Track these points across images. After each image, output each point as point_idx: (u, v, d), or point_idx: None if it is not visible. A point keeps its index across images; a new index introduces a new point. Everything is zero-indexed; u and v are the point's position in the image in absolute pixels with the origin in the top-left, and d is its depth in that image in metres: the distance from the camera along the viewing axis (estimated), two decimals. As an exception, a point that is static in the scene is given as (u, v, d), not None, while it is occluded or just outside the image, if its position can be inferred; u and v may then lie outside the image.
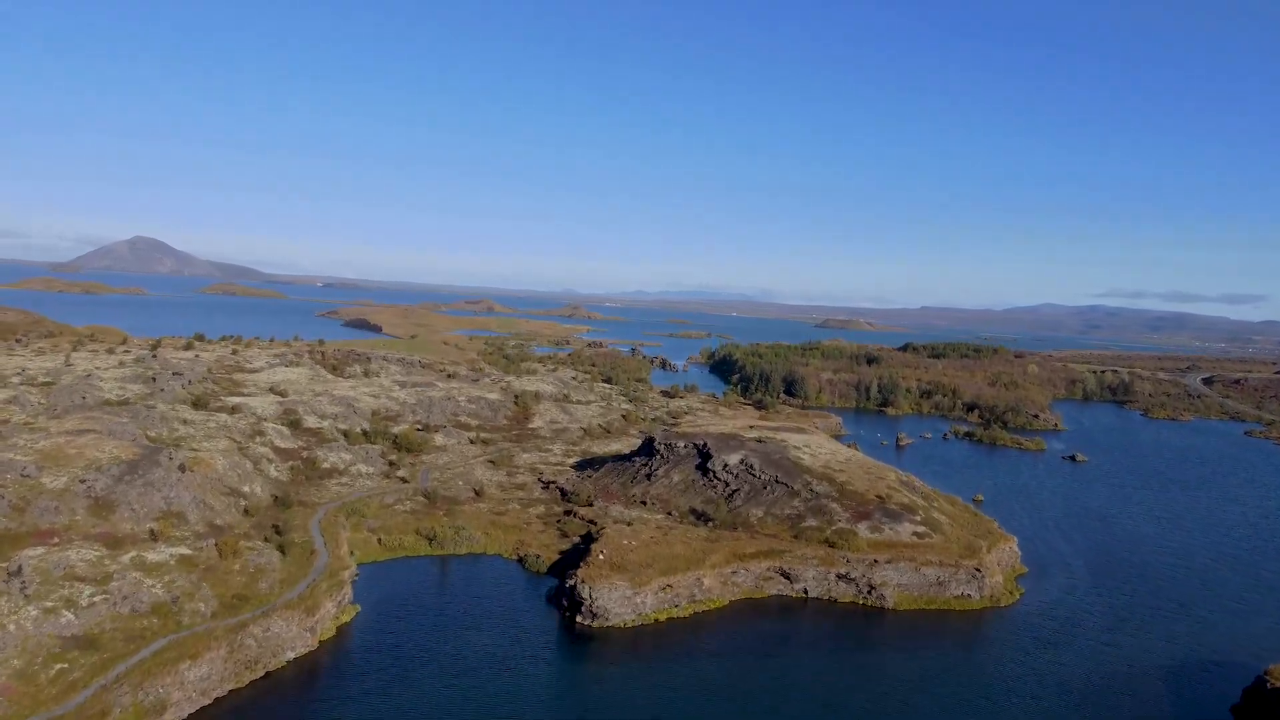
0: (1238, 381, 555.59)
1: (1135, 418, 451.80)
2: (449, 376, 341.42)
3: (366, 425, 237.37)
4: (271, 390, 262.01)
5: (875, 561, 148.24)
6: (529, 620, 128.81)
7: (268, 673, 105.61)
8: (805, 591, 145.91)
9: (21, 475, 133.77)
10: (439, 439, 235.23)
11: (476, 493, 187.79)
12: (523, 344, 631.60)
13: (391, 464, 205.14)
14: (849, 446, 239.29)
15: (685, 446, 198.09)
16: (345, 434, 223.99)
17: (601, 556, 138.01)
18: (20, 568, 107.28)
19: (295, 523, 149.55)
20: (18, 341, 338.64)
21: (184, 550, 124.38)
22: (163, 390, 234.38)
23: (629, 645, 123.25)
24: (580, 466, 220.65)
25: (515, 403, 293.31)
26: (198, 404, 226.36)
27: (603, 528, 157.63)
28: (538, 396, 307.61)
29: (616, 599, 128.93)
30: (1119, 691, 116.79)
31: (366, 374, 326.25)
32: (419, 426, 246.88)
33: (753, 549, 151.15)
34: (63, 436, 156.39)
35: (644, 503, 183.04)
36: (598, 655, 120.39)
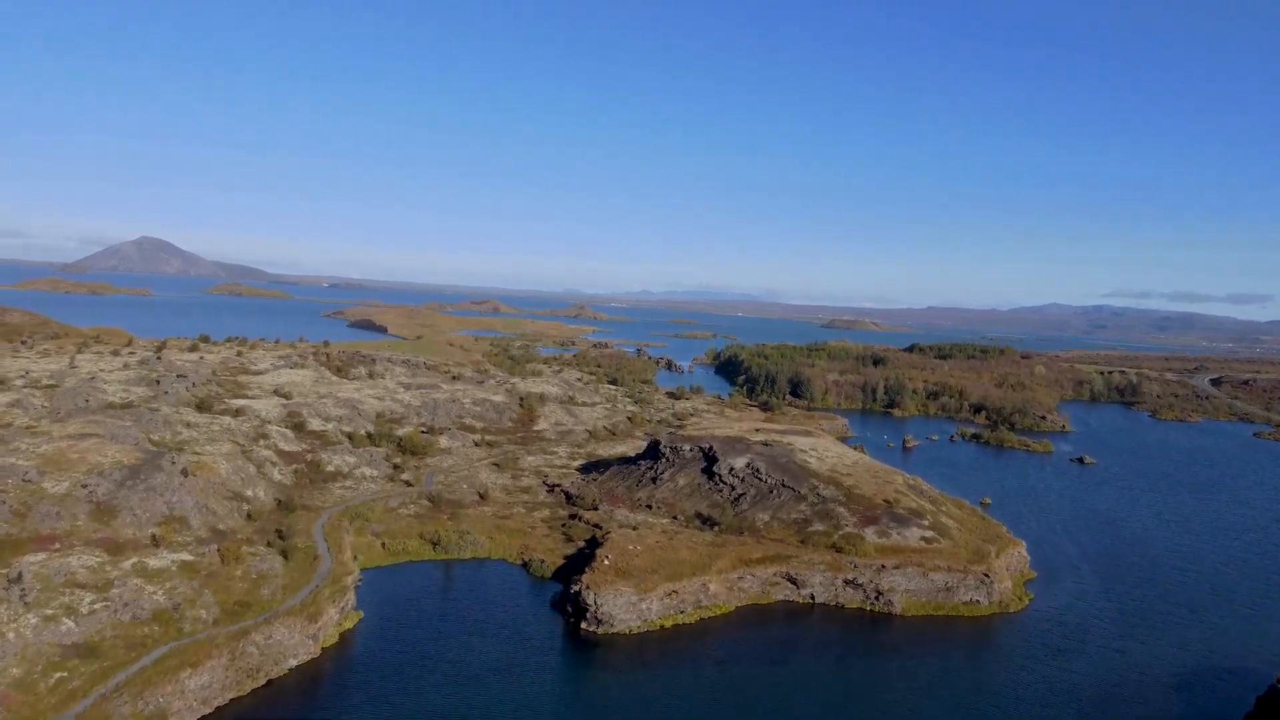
0: (1246, 382, 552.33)
1: (1143, 419, 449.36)
2: (454, 378, 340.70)
3: (371, 428, 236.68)
4: (276, 392, 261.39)
5: (883, 567, 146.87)
6: (533, 627, 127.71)
7: (269, 681, 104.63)
8: (812, 597, 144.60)
9: (23, 480, 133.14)
10: (443, 441, 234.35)
11: (481, 496, 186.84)
12: (528, 345, 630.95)
13: (396, 467, 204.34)
14: (855, 449, 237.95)
15: (691, 450, 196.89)
16: (349, 437, 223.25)
17: (606, 562, 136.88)
18: (21, 574, 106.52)
19: (298, 527, 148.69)
20: (23, 343, 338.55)
21: (186, 556, 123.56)
22: (166, 393, 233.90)
23: (634, 652, 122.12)
24: (585, 469, 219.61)
25: (520, 405, 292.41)
26: (201, 406, 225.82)
27: (608, 532, 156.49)
28: (543, 398, 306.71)
29: (622, 605, 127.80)
30: (1130, 699, 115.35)
31: (371, 376, 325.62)
32: (423, 429, 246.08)
33: (759, 554, 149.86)
34: (65, 441, 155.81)
35: (649, 507, 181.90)
36: (603, 663, 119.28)
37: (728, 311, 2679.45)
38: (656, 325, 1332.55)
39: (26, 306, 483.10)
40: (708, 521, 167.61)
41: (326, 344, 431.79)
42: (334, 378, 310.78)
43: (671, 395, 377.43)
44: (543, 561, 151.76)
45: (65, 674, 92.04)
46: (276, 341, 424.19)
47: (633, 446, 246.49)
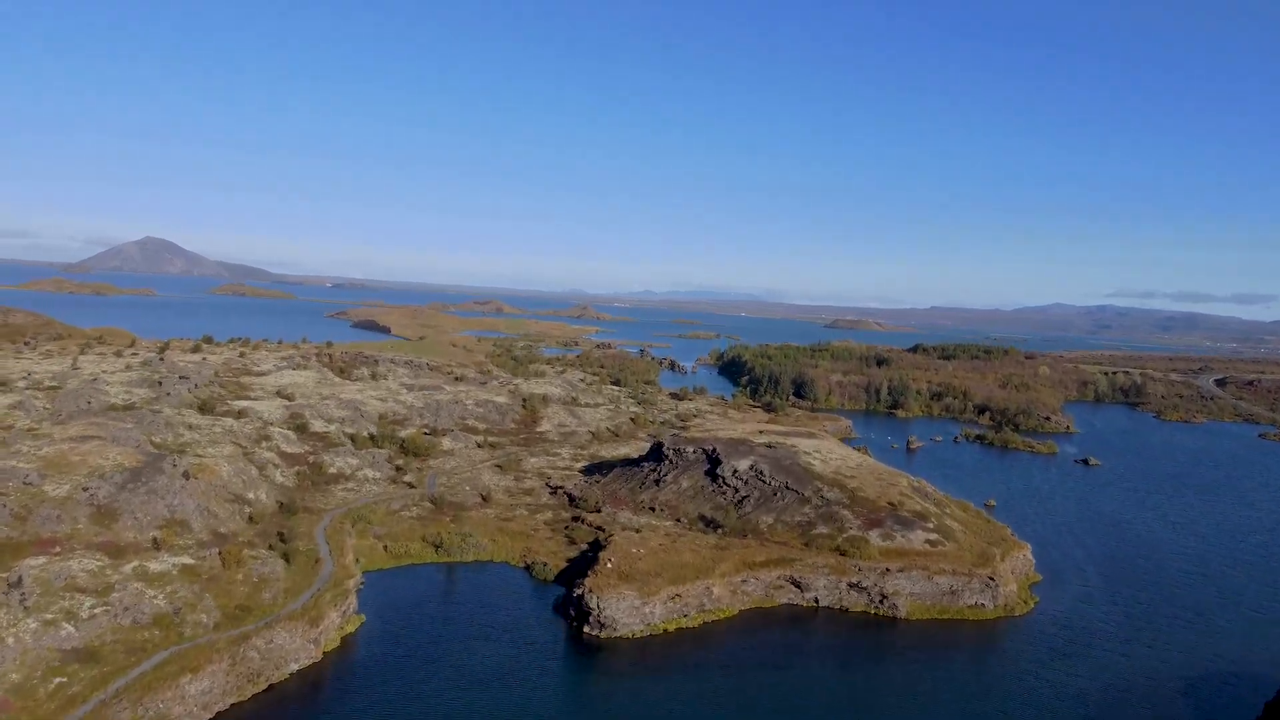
0: (1251, 383, 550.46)
1: (1148, 420, 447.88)
2: (457, 379, 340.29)
3: (374, 429, 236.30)
4: (278, 394, 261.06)
5: (887, 570, 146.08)
6: (536, 630, 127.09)
7: (270, 686, 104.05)
8: (816, 601, 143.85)
9: (24, 483, 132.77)
10: (446, 443, 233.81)
11: (484, 498, 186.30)
12: (531, 345, 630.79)
13: (398, 469, 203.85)
14: (859, 450, 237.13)
15: (694, 452, 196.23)
16: (352, 438, 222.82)
17: (609, 565, 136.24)
18: (20, 578, 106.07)
19: (300, 530, 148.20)
20: (26, 344, 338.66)
21: (187, 559, 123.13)
22: (169, 394, 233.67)
23: (637, 656, 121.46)
24: (588, 471, 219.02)
25: (523, 406, 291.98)
26: (204, 408, 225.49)
27: (611, 535, 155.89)
28: (546, 399, 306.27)
29: (624, 609, 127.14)
30: (1137, 704, 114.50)
31: (374, 377, 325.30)
32: (426, 430, 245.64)
33: (763, 557, 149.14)
34: (66, 443, 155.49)
35: (652, 509, 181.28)
36: (605, 667, 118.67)
37: (731, 311, 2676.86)
38: (660, 325, 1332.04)
39: (30, 306, 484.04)
40: (711, 524, 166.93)
41: (329, 345, 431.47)
42: (337, 379, 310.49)
43: (675, 396, 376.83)
44: (545, 564, 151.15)
45: (65, 679, 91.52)
46: (279, 342, 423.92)
47: (636, 448, 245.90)
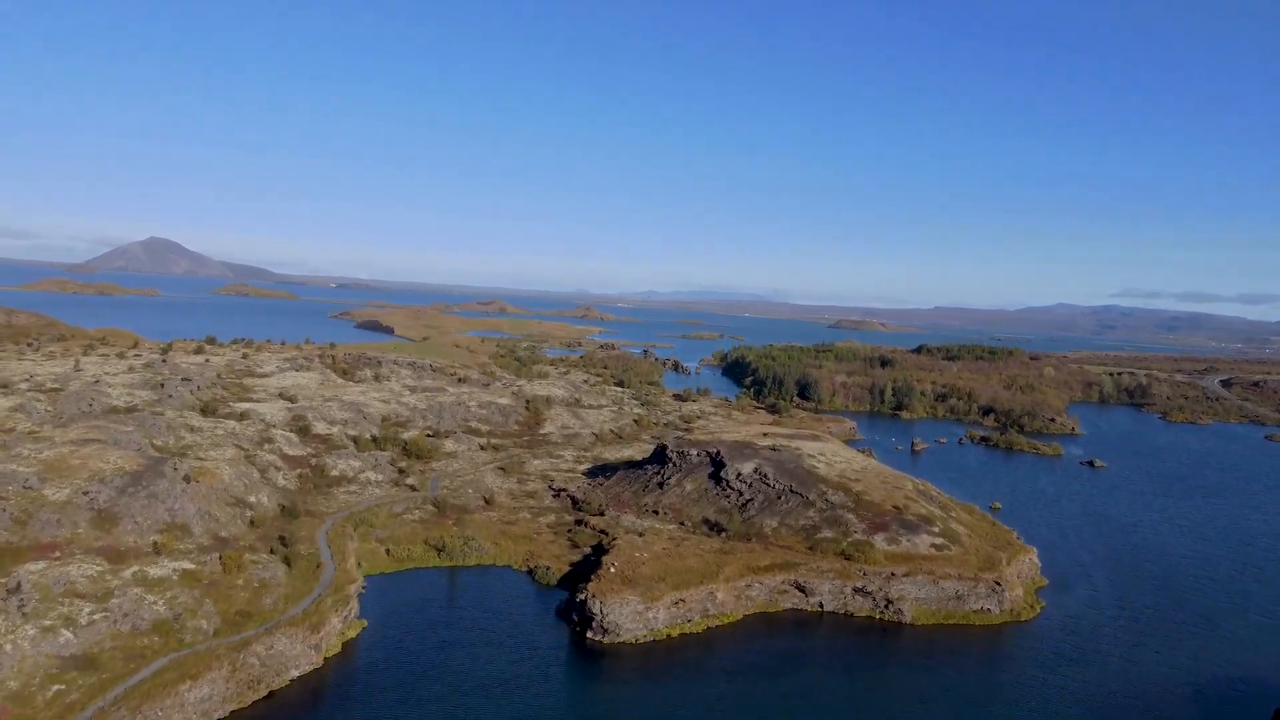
0: (1257, 384, 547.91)
1: (1153, 421, 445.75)
2: (460, 381, 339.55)
3: (376, 431, 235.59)
4: (281, 396, 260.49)
5: (892, 575, 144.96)
6: (538, 636, 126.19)
7: (271, 692, 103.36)
8: (821, 605, 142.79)
9: (24, 487, 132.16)
10: (449, 445, 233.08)
11: (486, 501, 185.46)
12: (534, 346, 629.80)
13: (401, 471, 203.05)
14: (863, 452, 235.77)
15: (698, 455, 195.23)
16: (355, 440, 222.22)
17: (612, 569, 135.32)
18: (19, 584, 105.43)
19: (302, 534, 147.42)
20: (29, 345, 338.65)
21: (187, 564, 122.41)
22: (171, 397, 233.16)
23: (640, 662, 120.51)
24: (591, 474, 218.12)
25: (526, 408, 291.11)
26: (206, 410, 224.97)
27: (614, 538, 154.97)
28: (549, 401, 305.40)
29: (628, 614, 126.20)
30: (1144, 710, 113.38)
31: (377, 379, 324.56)
32: (429, 432, 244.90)
33: (767, 561, 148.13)
34: (67, 446, 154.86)
35: (656, 512, 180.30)
36: (608, 673, 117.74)
37: (735, 312, 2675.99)
38: (663, 326, 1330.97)
39: (34, 307, 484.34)
40: (715, 528, 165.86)
41: (332, 346, 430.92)
42: (339, 380, 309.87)
43: (678, 397, 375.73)
44: (548, 568, 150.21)
45: (63, 686, 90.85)
46: (283, 343, 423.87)
47: (639, 450, 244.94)
